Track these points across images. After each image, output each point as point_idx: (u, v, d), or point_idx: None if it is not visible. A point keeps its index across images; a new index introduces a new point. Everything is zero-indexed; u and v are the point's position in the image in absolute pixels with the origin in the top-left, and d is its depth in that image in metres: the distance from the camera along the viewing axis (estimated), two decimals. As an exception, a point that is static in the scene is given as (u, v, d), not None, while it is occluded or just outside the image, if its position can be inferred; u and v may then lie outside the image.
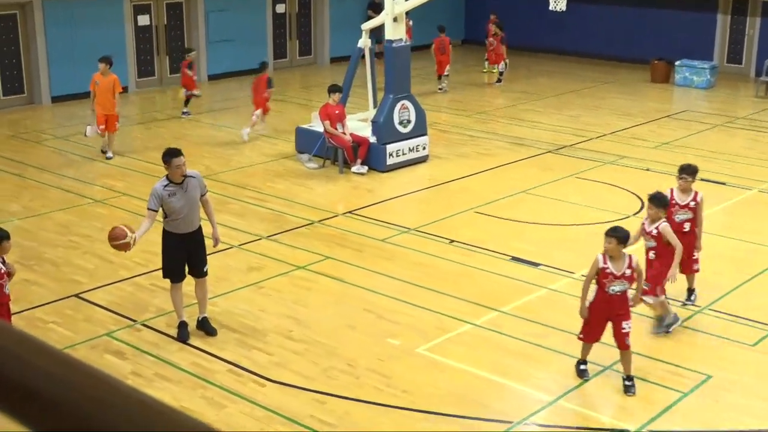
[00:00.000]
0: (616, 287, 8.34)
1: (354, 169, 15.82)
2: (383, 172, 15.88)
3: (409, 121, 16.32)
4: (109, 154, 16.60)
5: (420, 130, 16.56)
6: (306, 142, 16.67)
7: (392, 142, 16.04)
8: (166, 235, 9.47)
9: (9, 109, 20.91)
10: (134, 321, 9.95)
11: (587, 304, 8.52)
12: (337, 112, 15.84)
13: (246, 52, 25.38)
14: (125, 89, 22.83)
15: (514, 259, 11.86)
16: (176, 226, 9.37)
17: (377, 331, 9.73)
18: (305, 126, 17.22)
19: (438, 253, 12.01)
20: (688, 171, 10.14)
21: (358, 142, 15.89)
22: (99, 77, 16.37)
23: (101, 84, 16.29)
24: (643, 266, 8.89)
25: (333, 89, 15.93)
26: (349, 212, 13.79)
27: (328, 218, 13.47)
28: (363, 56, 17.23)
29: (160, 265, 11.44)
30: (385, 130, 15.98)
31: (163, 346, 9.34)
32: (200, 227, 9.55)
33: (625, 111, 21.38)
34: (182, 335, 9.48)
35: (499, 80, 24.46)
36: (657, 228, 9.31)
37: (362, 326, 9.85)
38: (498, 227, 13.15)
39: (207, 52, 24.64)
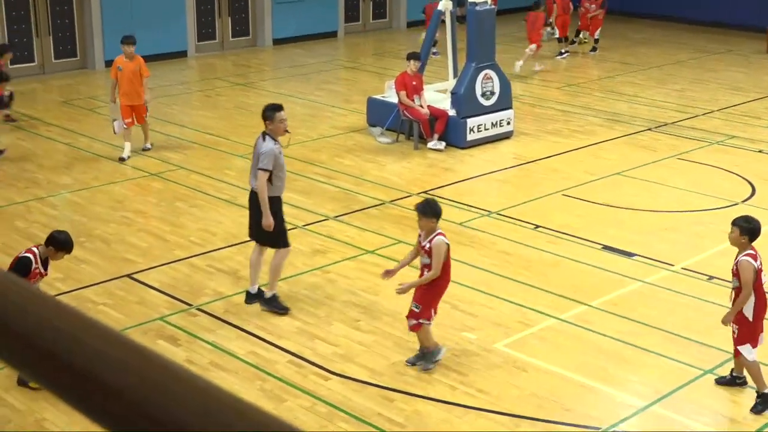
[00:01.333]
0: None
1: (430, 144, 15.80)
2: (463, 148, 15.83)
3: (492, 93, 16.23)
4: (147, 145, 15.54)
5: (504, 103, 16.45)
6: (378, 115, 16.71)
7: (473, 116, 15.98)
8: (273, 201, 9.77)
9: (60, 73, 21.41)
10: (189, 305, 10.13)
11: (750, 314, 8.23)
12: (414, 82, 15.83)
13: (314, 15, 25.51)
14: (184, 54, 23.20)
15: (606, 248, 11.74)
16: (279, 188, 9.85)
17: (452, 323, 9.74)
18: (378, 97, 17.25)
19: (521, 240, 11.95)
20: None
21: (436, 115, 15.87)
22: (122, 61, 15.10)
23: (125, 69, 15.00)
24: None
25: (411, 57, 15.91)
26: (424, 192, 13.79)
27: (400, 198, 13.50)
28: (443, 20, 17.17)
29: (217, 245, 11.65)
30: (465, 102, 15.92)
31: (220, 333, 9.49)
32: None
33: (736, 85, 20.94)
34: (285, 307, 9.95)
35: (594, 48, 24.16)
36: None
37: (436, 318, 9.85)
38: (589, 212, 13.02)
39: (272, 14, 24.83)
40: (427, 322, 8.81)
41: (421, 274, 8.83)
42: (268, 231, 9.73)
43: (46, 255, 8.46)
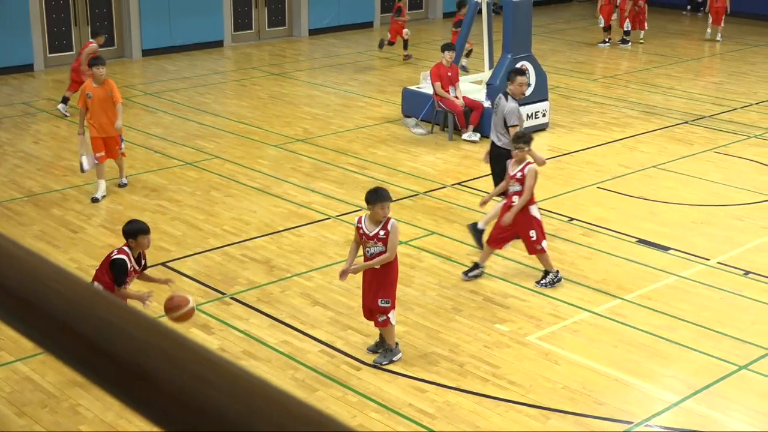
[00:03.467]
0: None
1: (465, 136, 15.77)
2: (497, 140, 15.76)
3: (528, 85, 16.14)
4: (123, 180, 13.51)
5: (540, 94, 16.38)
6: (413, 106, 16.69)
7: (508, 108, 15.90)
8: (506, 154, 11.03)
9: (98, 62, 21.53)
10: (223, 294, 10.19)
11: None
12: (449, 73, 15.80)
13: (351, 6, 25.52)
14: (220, 43, 23.30)
15: (641, 241, 11.66)
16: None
17: (485, 315, 9.72)
18: (413, 87, 17.23)
19: (555, 232, 11.90)
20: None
21: (471, 106, 15.83)
22: (91, 88, 12.85)
23: (95, 96, 12.81)
24: None
25: (446, 47, 15.88)
26: (459, 183, 13.77)
27: (434, 189, 13.49)
28: (480, 11, 17.11)
29: (251, 234, 11.70)
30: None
31: (253, 322, 9.54)
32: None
33: (775, 78, 20.70)
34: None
35: (625, 41, 24.02)
36: None
37: (468, 309, 9.86)
38: (624, 205, 12.94)
39: (309, 4, 24.85)
40: (393, 318, 8.70)
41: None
42: (495, 179, 11.36)
43: (137, 251, 8.33)
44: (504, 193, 10.59)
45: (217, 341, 9.14)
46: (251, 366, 8.59)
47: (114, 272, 8.17)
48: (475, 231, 11.21)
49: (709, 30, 25.07)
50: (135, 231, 8.30)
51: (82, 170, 12.97)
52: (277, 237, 11.72)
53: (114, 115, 12.85)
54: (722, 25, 24.67)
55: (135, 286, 8.64)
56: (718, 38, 24.68)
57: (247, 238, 11.67)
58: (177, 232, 11.88)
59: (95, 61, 12.95)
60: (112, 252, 8.38)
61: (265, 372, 8.53)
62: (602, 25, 23.87)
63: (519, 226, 10.21)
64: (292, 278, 10.53)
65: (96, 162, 12.88)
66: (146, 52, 22.20)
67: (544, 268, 10.38)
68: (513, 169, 10.26)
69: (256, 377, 1.10)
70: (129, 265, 8.22)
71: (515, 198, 10.16)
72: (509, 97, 11.49)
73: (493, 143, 11.64)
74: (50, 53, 21.17)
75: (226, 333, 9.33)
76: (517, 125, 11.28)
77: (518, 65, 15.72)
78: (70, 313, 1.22)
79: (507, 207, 10.30)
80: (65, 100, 17.07)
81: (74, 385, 8.15)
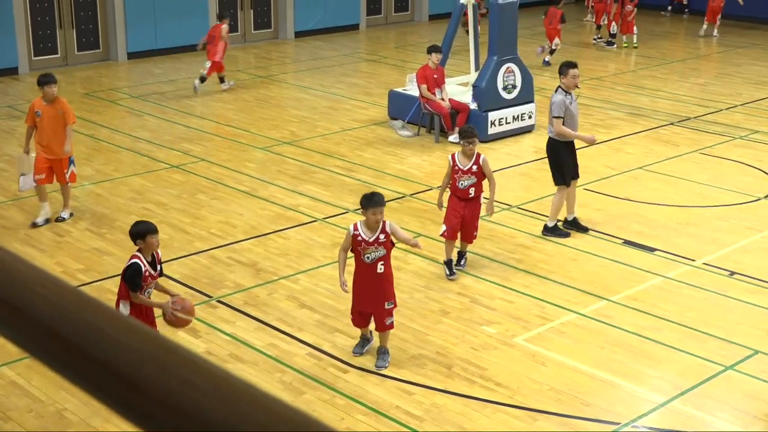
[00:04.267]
0: None
1: (451, 138, 15.79)
2: (484, 142, 15.77)
3: (514, 87, 16.19)
4: (64, 215, 12.28)
5: (526, 96, 16.42)
6: (399, 108, 16.71)
7: (495, 110, 15.95)
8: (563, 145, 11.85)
9: (83, 65, 21.52)
10: (210, 297, 10.17)
11: None
12: (435, 75, 15.82)
13: (336, 8, 25.52)
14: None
15: (627, 242, 11.70)
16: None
17: (471, 317, 9.74)
18: (399, 90, 17.25)
19: (542, 234, 11.93)
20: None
21: (457, 108, 15.85)
22: (41, 105, 12.00)
23: (44, 115, 11.95)
24: None
25: (432, 50, 15.89)
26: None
27: (421, 192, 13.50)
28: (465, 13, 17.13)
29: (238, 237, 11.69)
30: (487, 95, 15.89)
31: (240, 325, 9.53)
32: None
33: (761, 80, 20.80)
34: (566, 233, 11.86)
35: (611, 42, 24.11)
36: None
37: (455, 311, 9.87)
38: (610, 207, 12.98)
39: (295, 7, 24.85)
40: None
41: (374, 270, 8.60)
42: (551, 168, 11.93)
43: (149, 252, 8.09)
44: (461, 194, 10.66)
45: (204, 344, 9.13)
46: (238, 369, 8.58)
47: (128, 277, 7.92)
48: (555, 231, 11.83)
49: (704, 26, 25.54)
50: (143, 231, 8.04)
51: (20, 189, 12.24)
52: (264, 240, 11.71)
53: (64, 136, 11.92)
54: (718, 22, 25.12)
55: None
56: (715, 34, 25.36)
57: (234, 241, 11.66)
58: (163, 235, 11.81)
59: (46, 78, 11.99)
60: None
61: (252, 375, 8.52)
62: (592, 20, 24.40)
63: (474, 216, 10.64)
64: (279, 281, 10.53)
65: (34, 184, 12.02)
66: (131, 55, 22.16)
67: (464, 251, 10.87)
68: (465, 164, 10.44)
69: (242, 381, 1.10)
70: (144, 269, 7.94)
71: (471, 190, 10.48)
72: (560, 89, 11.80)
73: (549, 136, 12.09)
74: (35, 56, 21.11)
75: (212, 336, 9.32)
76: (558, 117, 11.61)
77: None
78: (56, 318, 1.22)
79: (467, 200, 10.53)
80: (203, 79, 18.76)
81: (60, 390, 8.12)
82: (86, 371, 1.19)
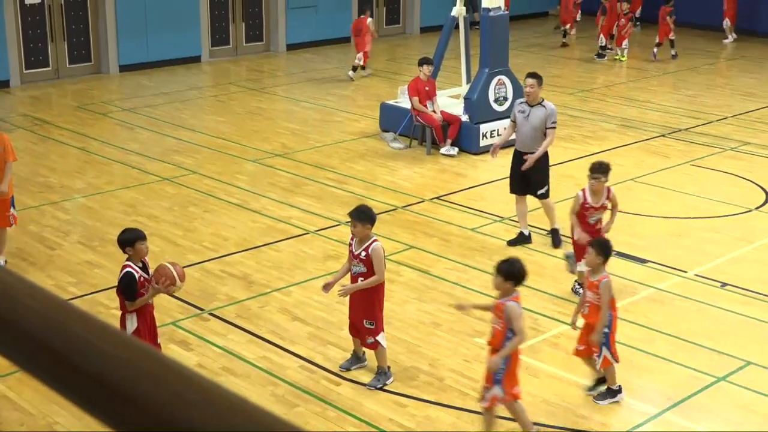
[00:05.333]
0: None
1: (443, 150, 15.80)
2: (476, 154, 15.82)
3: (505, 99, 16.21)
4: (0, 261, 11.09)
5: (517, 108, 16.42)
6: (391, 120, 16.72)
7: (486, 122, 15.97)
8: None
9: (75, 78, 21.50)
10: (201, 309, 10.15)
11: None
12: (427, 88, 15.83)
13: (328, 20, 25.55)
14: (197, 59, 23.26)
15: (619, 254, 11.69)
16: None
17: (464, 329, 9.72)
18: (391, 102, 17.26)
19: (534, 246, 11.94)
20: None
21: (449, 120, 15.86)
22: None
23: None
24: None
25: (423, 62, 15.91)
26: (437, 198, 13.79)
27: (412, 204, 13.50)
28: (457, 26, 17.17)
29: (230, 249, 11.68)
30: (478, 107, 15.91)
31: (232, 338, 9.51)
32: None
33: (749, 91, 20.88)
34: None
35: (601, 55, 24.16)
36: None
37: (447, 323, 9.86)
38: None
39: (286, 19, 24.88)
40: (383, 340, 8.59)
41: (353, 282, 8.53)
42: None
43: (138, 259, 8.03)
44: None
45: (196, 357, 9.10)
46: (230, 382, 8.55)
47: (124, 287, 7.86)
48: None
49: (655, 50, 24.09)
50: (132, 239, 7.99)
51: None
52: (256, 252, 11.69)
53: (2, 172, 10.82)
54: (672, 37, 23.96)
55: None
56: (673, 54, 24.13)
57: (226, 254, 11.63)
58: (155, 248, 11.80)
59: None
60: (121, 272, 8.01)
61: (245, 388, 8.49)
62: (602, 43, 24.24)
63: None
64: (271, 293, 10.51)
65: None
66: (123, 68, 22.14)
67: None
68: (596, 201, 10.15)
69: (234, 394, 1.09)
70: (137, 275, 7.89)
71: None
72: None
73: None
74: (26, 69, 21.08)
75: (204, 349, 9.29)
76: (511, 120, 12.15)
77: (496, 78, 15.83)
78: (46, 331, 1.21)
79: (594, 232, 10.00)
80: (354, 68, 20.50)
81: (52, 403, 8.08)
82: (77, 384, 1.18)
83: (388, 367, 8.77)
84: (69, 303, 1.28)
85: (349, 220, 8.77)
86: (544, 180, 11.94)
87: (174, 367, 1.13)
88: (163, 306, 10.18)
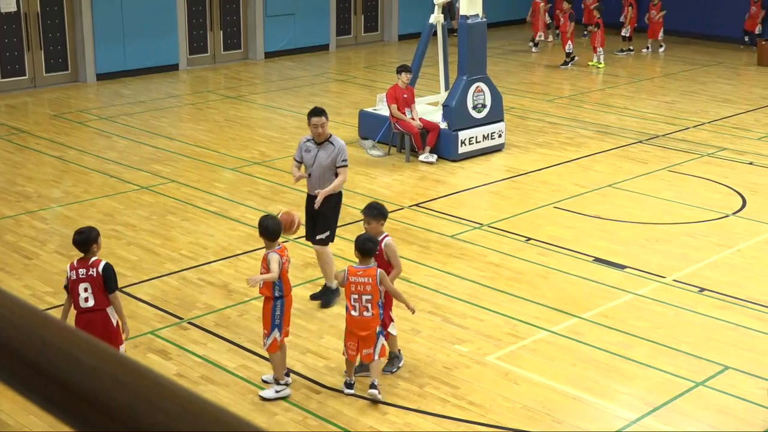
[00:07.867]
0: None
1: (422, 157, 15.82)
2: (454, 161, 15.86)
3: (483, 106, 16.26)
4: None
5: (496, 115, 16.49)
6: (370, 128, 16.73)
7: (465, 129, 16.00)
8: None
9: (52, 87, 21.39)
10: (180, 318, 10.11)
11: None
12: (405, 95, 15.86)
13: (306, 28, 25.55)
14: (175, 67, 23.20)
15: (598, 260, 11.75)
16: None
17: (443, 336, 9.73)
18: (369, 109, 17.27)
19: (513, 252, 11.96)
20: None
21: (428, 128, 15.89)
22: None
23: None
24: None
25: (402, 69, 15.93)
26: (416, 205, 13.80)
27: (392, 211, 13.47)
28: (435, 33, 17.21)
29: (209, 258, 11.65)
30: (457, 115, 15.95)
31: (211, 347, 9.47)
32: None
33: (726, 98, 21.03)
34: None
35: (566, 63, 24.25)
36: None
37: (427, 331, 9.86)
38: (580, 225, 13.04)
39: (264, 27, 24.86)
40: (393, 330, 8.95)
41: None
42: None
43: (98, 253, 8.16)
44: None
45: (175, 367, 9.06)
46: (210, 391, 8.53)
47: (107, 277, 7.99)
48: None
49: (648, 43, 26.07)
50: (96, 235, 8.13)
51: None
52: (235, 261, 11.67)
53: None
54: (661, 37, 25.92)
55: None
56: (661, 50, 25.83)
57: (205, 262, 11.60)
58: (133, 257, 11.78)
59: None
60: (93, 268, 8.02)
61: (224, 397, 8.47)
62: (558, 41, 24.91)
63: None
64: (251, 302, 10.48)
65: None
66: (100, 76, 22.05)
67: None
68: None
69: (212, 403, 1.09)
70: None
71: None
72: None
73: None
74: (2, 78, 20.96)
75: (183, 358, 9.25)
76: (296, 159, 10.53)
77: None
78: (22, 341, 1.21)
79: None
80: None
81: (29, 414, 8.02)
82: (53, 395, 1.17)
83: (399, 350, 9.07)
84: (45, 312, 1.27)
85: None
86: (332, 224, 10.48)
87: (151, 377, 1.13)
88: (142, 315, 10.15)
